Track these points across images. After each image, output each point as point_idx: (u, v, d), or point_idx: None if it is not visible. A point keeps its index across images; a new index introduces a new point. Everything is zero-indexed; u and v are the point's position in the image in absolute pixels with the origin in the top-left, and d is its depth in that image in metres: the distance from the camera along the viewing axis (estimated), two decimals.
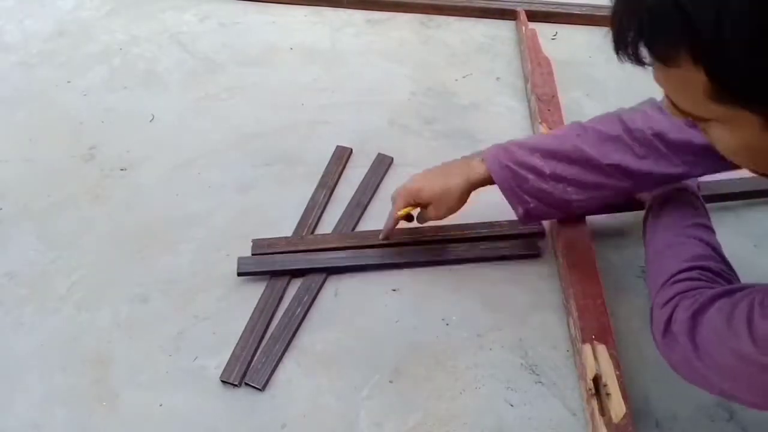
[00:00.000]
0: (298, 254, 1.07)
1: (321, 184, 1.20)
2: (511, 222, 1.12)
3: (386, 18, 1.59)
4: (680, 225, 0.88)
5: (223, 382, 0.94)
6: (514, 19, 1.57)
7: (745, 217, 1.15)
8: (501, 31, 1.56)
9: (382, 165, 1.23)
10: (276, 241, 1.09)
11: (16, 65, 1.47)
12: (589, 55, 1.49)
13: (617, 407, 0.86)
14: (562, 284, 1.04)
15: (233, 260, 1.08)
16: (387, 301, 1.04)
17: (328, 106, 1.37)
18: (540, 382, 0.94)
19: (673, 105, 0.62)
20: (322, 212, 1.16)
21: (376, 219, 1.15)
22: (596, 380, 0.89)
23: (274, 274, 1.05)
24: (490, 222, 1.13)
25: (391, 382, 0.95)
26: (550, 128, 1.24)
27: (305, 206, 1.16)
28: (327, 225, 1.14)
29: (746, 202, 1.17)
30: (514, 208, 0.98)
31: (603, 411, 0.87)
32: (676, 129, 0.86)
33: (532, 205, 0.96)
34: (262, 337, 0.99)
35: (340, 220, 1.14)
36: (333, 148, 1.26)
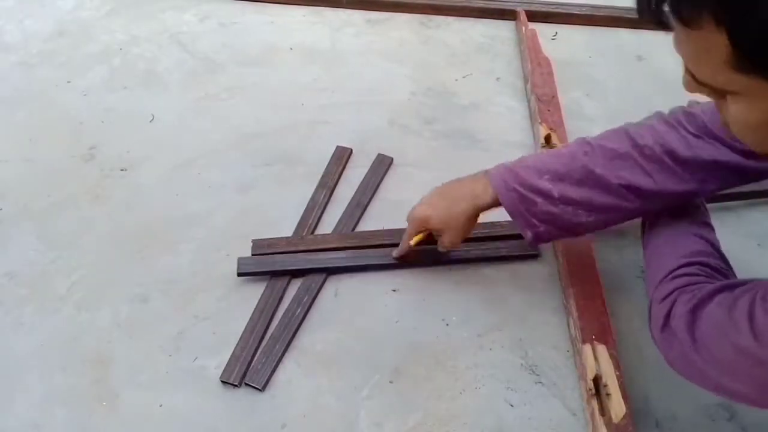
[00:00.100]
0: (298, 254, 1.07)
1: (321, 184, 1.20)
2: (511, 222, 1.12)
3: (386, 18, 1.59)
4: (679, 222, 0.87)
5: (223, 382, 0.94)
6: (514, 19, 1.57)
7: (747, 218, 1.15)
8: (501, 31, 1.56)
9: (382, 165, 1.23)
10: (276, 241, 1.09)
11: (16, 65, 1.47)
12: (589, 55, 1.49)
13: (617, 407, 0.86)
14: (562, 284, 1.04)
15: (233, 260, 1.08)
16: (387, 301, 1.04)
17: (328, 106, 1.37)
18: (540, 382, 0.94)
19: (692, 77, 0.60)
20: (322, 212, 1.16)
21: (376, 219, 1.15)
22: (596, 380, 0.89)
23: (274, 275, 1.05)
24: (491, 222, 1.12)
25: (391, 382, 0.95)
26: (551, 128, 1.24)
27: (305, 206, 1.16)
28: (327, 225, 1.14)
29: (747, 203, 1.17)
30: (522, 232, 0.95)
31: (603, 411, 0.87)
32: (685, 145, 0.84)
33: (541, 228, 0.93)
34: (262, 337, 0.99)
35: (340, 220, 1.14)
36: (333, 148, 1.26)
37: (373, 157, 1.25)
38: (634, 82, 1.42)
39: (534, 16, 1.56)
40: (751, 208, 1.17)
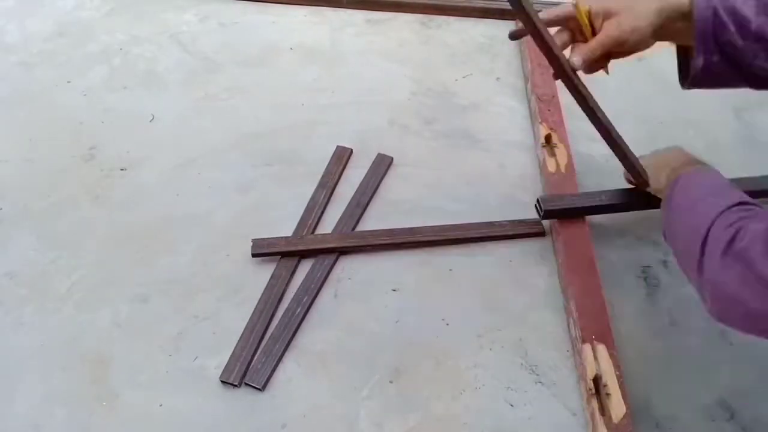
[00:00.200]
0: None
1: (321, 184, 1.20)
2: (511, 222, 1.13)
3: (386, 18, 1.59)
4: (714, 185, 0.84)
5: (223, 382, 0.94)
6: (514, 19, 1.57)
7: None
8: (501, 31, 1.56)
9: (382, 165, 1.23)
10: (276, 241, 1.09)
11: (16, 65, 1.47)
12: None
13: (617, 407, 0.86)
14: (562, 284, 1.04)
15: (233, 260, 1.08)
16: (387, 301, 1.04)
17: (328, 106, 1.37)
18: (540, 382, 0.94)
19: None
20: (322, 212, 1.16)
21: (376, 219, 1.15)
22: (596, 380, 0.89)
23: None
24: (491, 222, 1.13)
25: (391, 382, 0.95)
26: (551, 128, 1.24)
27: (305, 206, 1.16)
28: (327, 225, 1.14)
29: None
30: (695, 57, 0.85)
31: (603, 411, 0.87)
32: None
33: (715, 59, 0.84)
34: (262, 337, 0.99)
35: (340, 220, 1.14)
36: (333, 148, 1.26)
37: (373, 157, 1.25)
38: (634, 82, 1.42)
39: None
40: None
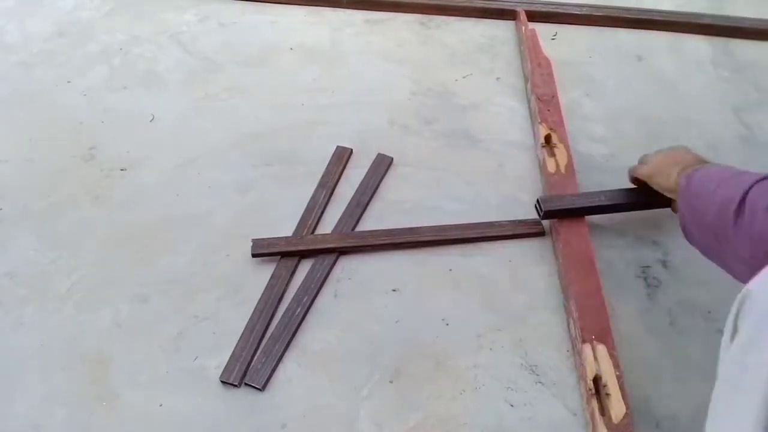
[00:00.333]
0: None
1: (321, 184, 1.20)
2: (511, 222, 1.13)
3: (386, 18, 1.59)
4: (734, 171, 0.85)
5: (223, 382, 0.94)
6: (514, 19, 1.57)
7: None
8: (501, 31, 1.56)
9: (382, 165, 1.23)
10: (276, 241, 1.09)
11: (16, 65, 1.47)
12: (589, 55, 1.49)
13: (617, 407, 0.86)
14: (562, 284, 1.04)
15: (233, 260, 1.08)
16: (387, 301, 1.04)
17: (328, 106, 1.37)
18: (540, 382, 0.94)
19: None
20: (322, 212, 1.16)
21: (376, 219, 1.15)
22: (596, 380, 0.89)
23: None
24: (490, 222, 1.13)
25: (391, 382, 0.95)
26: (551, 128, 1.24)
27: (305, 206, 1.16)
28: (327, 225, 1.14)
29: None
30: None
31: (603, 411, 0.87)
32: None
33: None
34: (262, 337, 0.99)
35: (340, 220, 1.14)
36: (333, 148, 1.26)
37: (373, 157, 1.25)
38: (634, 82, 1.42)
39: (534, 16, 1.56)
40: None
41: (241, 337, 0.98)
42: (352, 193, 1.19)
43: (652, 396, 0.92)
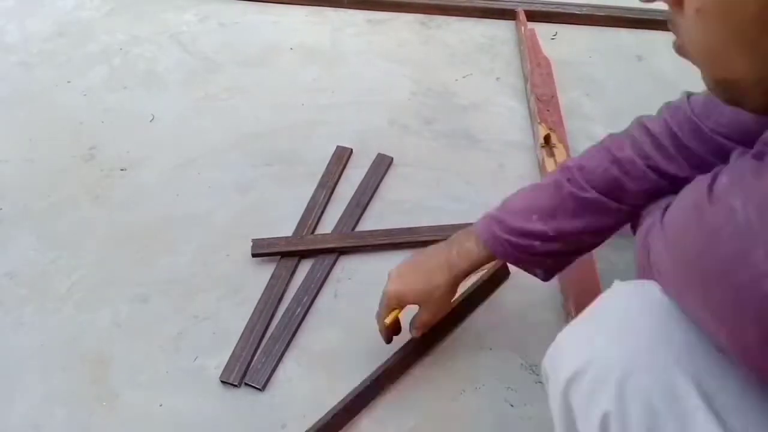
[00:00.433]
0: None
1: (321, 184, 1.20)
2: None
3: (386, 18, 1.59)
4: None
5: (223, 382, 0.94)
6: (514, 19, 1.57)
7: None
8: (501, 31, 1.56)
9: (382, 165, 1.23)
10: (276, 241, 1.09)
11: (16, 65, 1.47)
12: (589, 55, 1.49)
13: None
14: (562, 284, 1.04)
15: (233, 260, 1.08)
16: None
17: (328, 106, 1.37)
18: (540, 382, 0.94)
19: None
20: (322, 212, 1.16)
21: (376, 219, 1.15)
22: None
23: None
24: None
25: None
26: (550, 129, 1.24)
27: (305, 206, 1.16)
28: (327, 225, 1.14)
29: None
30: (531, 273, 0.87)
31: None
32: (665, 156, 0.77)
33: (549, 262, 0.85)
34: (262, 337, 0.99)
35: (340, 220, 1.14)
36: (333, 148, 1.26)
37: (373, 157, 1.25)
38: (634, 82, 1.42)
39: (534, 16, 1.56)
40: None
41: (241, 337, 0.98)
42: (352, 193, 1.19)
43: None
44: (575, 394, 0.59)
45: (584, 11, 1.58)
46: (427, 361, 0.96)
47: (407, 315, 0.93)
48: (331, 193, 1.19)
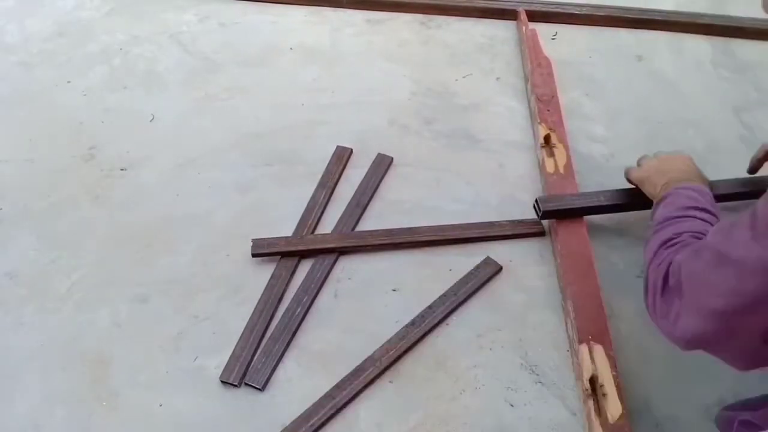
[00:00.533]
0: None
1: (321, 184, 1.20)
2: (511, 222, 1.13)
3: (386, 18, 1.59)
4: (683, 206, 0.86)
5: (223, 382, 0.94)
6: (514, 19, 1.57)
7: None
8: (501, 31, 1.56)
9: (382, 165, 1.23)
10: (276, 241, 1.09)
11: (16, 65, 1.47)
12: (589, 55, 1.49)
13: (613, 408, 0.86)
14: (561, 284, 1.04)
15: (233, 260, 1.08)
16: (387, 301, 1.04)
17: (328, 106, 1.37)
18: (540, 382, 0.94)
19: None
20: (322, 212, 1.16)
21: (376, 219, 1.15)
22: (593, 381, 0.89)
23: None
24: (490, 222, 1.13)
25: (391, 382, 0.95)
26: (550, 129, 1.24)
27: (305, 206, 1.16)
28: (327, 225, 1.14)
29: (746, 203, 1.17)
30: None
31: (599, 411, 0.87)
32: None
33: None
34: (262, 337, 0.99)
35: (340, 220, 1.14)
36: (333, 148, 1.26)
37: (373, 157, 1.25)
38: (634, 82, 1.42)
39: (534, 16, 1.56)
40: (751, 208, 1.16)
41: (241, 337, 0.98)
42: (352, 193, 1.19)
43: (652, 396, 0.92)
44: None
45: (584, 11, 1.58)
46: (427, 361, 0.96)
47: None
48: (331, 193, 1.19)
